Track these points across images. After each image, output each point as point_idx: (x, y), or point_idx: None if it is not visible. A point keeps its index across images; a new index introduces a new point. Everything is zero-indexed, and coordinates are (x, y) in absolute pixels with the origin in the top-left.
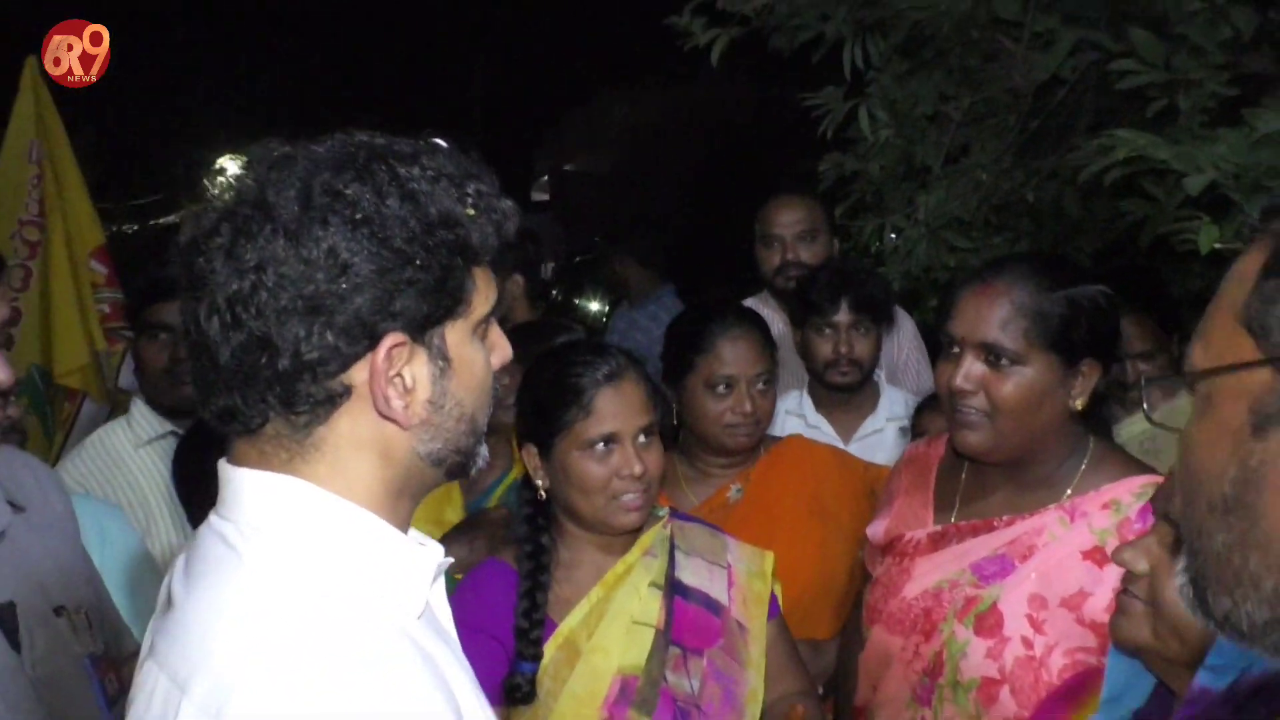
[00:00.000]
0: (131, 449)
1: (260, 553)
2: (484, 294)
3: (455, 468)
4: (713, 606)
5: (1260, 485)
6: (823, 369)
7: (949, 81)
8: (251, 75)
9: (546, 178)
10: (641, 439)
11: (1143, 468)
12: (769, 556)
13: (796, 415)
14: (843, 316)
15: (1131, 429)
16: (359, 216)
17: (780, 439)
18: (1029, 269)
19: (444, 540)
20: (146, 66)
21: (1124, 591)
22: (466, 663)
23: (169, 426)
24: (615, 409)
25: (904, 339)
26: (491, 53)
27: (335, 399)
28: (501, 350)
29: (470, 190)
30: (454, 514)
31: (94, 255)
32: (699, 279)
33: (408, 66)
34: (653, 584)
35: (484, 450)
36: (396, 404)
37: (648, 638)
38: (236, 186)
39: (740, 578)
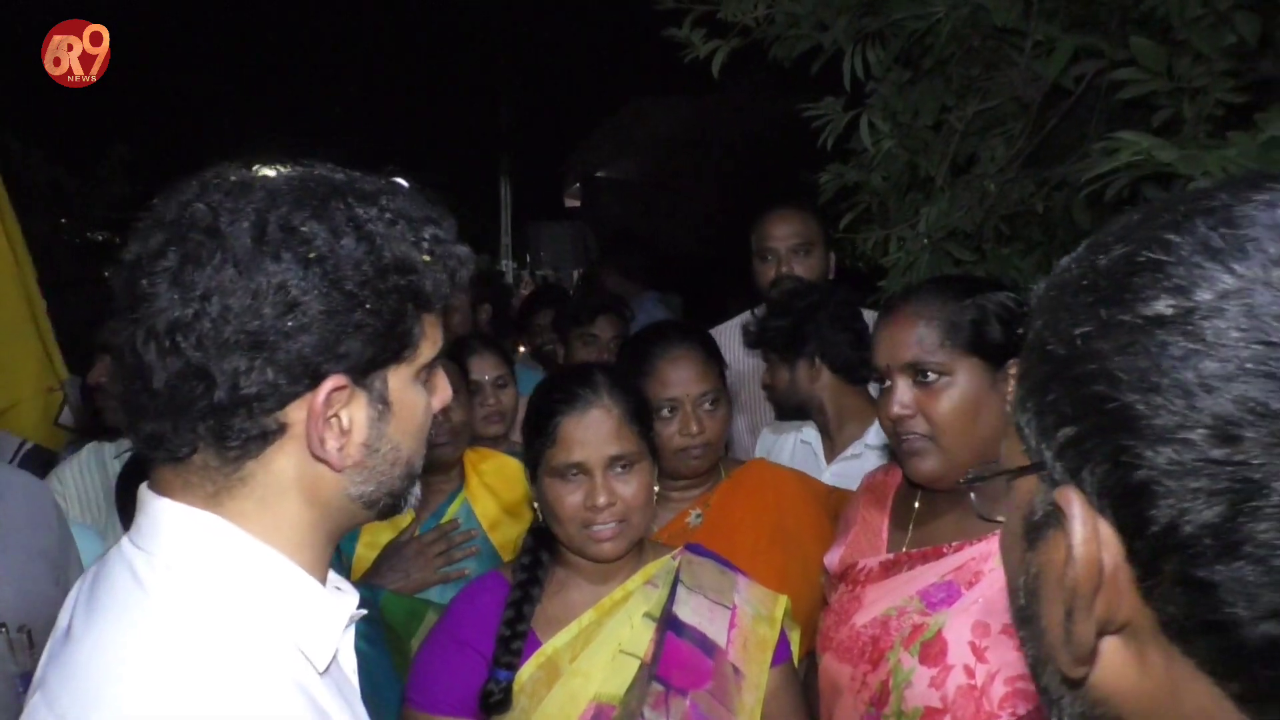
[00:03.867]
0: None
1: (168, 595)
2: (431, 339)
3: (386, 509)
4: (707, 647)
5: (1039, 597)
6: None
7: (950, 91)
8: (281, 85)
9: (578, 185)
10: (618, 469)
11: None
12: (782, 600)
13: (795, 428)
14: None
15: None
16: (312, 255)
17: (742, 462)
18: (933, 288)
19: (376, 569)
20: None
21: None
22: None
23: None
24: (582, 438)
25: None
26: (523, 61)
27: (269, 435)
28: (442, 393)
29: (427, 235)
30: (389, 535)
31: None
32: (723, 290)
33: (438, 75)
34: (647, 615)
35: (417, 490)
36: (331, 445)
37: (631, 669)
38: (189, 210)
39: (744, 620)
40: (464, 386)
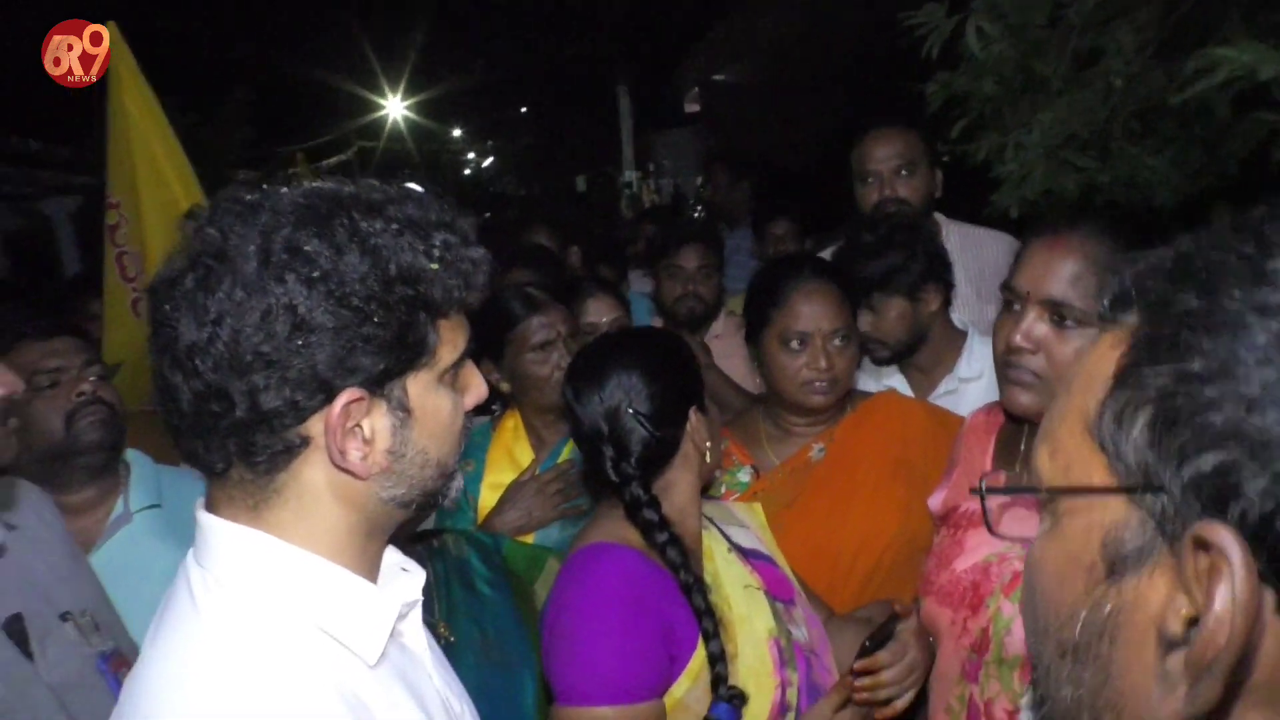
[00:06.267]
0: None
1: (216, 612)
2: (450, 343)
3: (425, 506)
4: (770, 560)
5: (1114, 637)
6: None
7: None
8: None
9: (697, 89)
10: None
11: None
12: (757, 506)
13: (869, 372)
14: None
15: None
16: (316, 274)
17: (870, 395)
18: (1106, 224)
19: (499, 508)
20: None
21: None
22: (449, 690)
23: None
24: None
25: (994, 271)
26: None
27: (293, 449)
28: (476, 389)
29: (437, 242)
30: (511, 476)
31: None
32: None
33: None
34: (730, 550)
35: (457, 483)
36: (354, 455)
37: (763, 599)
38: (203, 235)
39: (757, 532)
40: (577, 329)
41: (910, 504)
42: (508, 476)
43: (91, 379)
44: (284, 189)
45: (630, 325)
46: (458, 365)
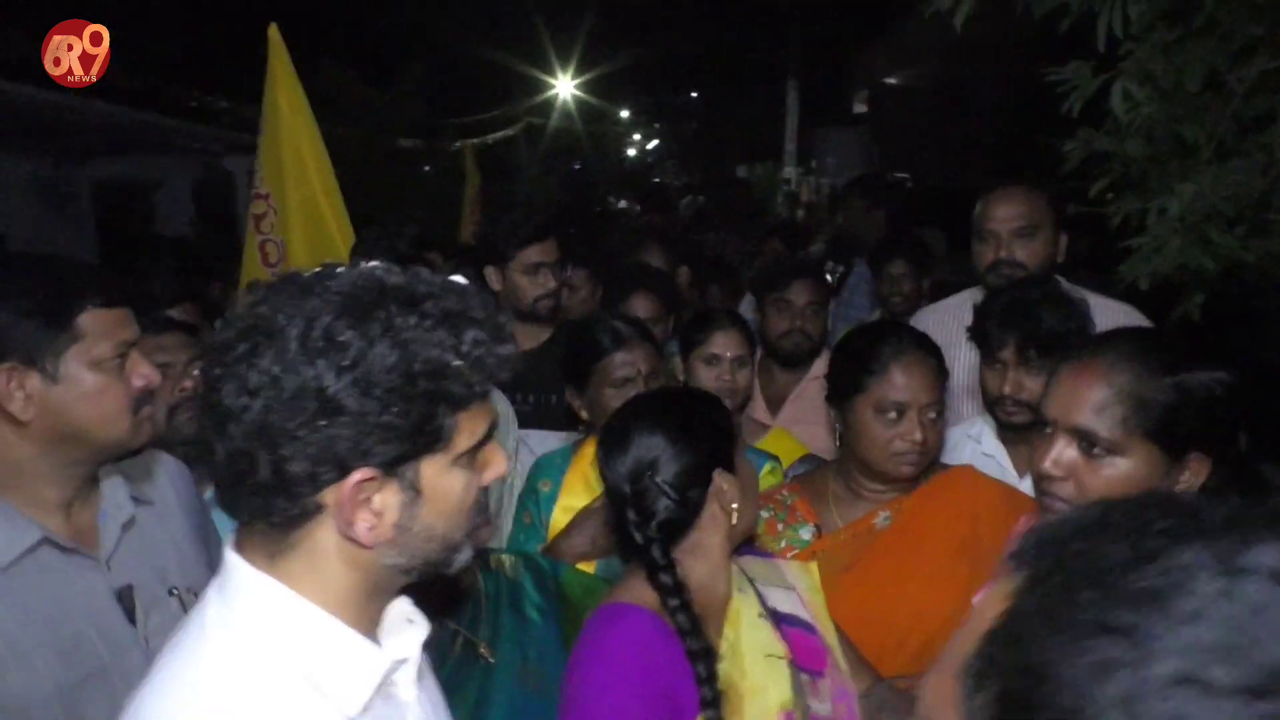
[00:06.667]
0: None
1: (221, 648)
2: (468, 430)
3: (428, 573)
4: (808, 628)
5: None
6: (991, 403)
7: (1224, 52)
8: None
9: (866, 91)
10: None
11: None
12: (813, 567)
13: (973, 440)
14: (1008, 354)
15: None
16: (346, 362)
17: (947, 468)
18: (1135, 348)
19: (566, 532)
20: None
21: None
22: None
23: None
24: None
25: None
26: None
27: (308, 513)
28: (496, 467)
29: (467, 339)
30: (584, 501)
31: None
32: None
33: None
34: (760, 615)
35: (465, 554)
36: (361, 527)
37: (784, 670)
38: (257, 310)
39: (806, 594)
40: (660, 370)
41: (972, 584)
42: (581, 501)
43: (194, 375)
44: (341, 271)
45: (751, 363)
46: (478, 447)
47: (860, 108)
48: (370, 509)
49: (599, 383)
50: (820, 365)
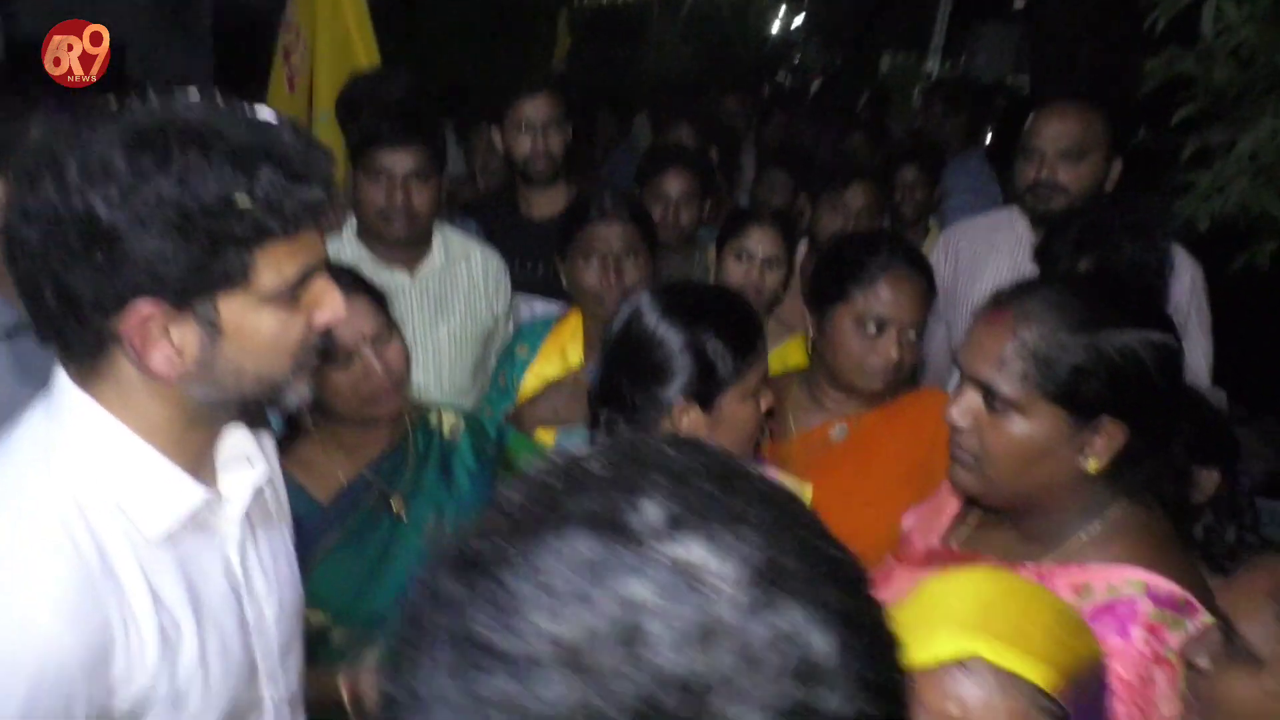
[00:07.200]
0: None
1: (29, 438)
2: (273, 270)
3: (255, 405)
4: None
5: None
6: None
7: None
8: None
9: None
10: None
11: (1166, 561)
12: (807, 488)
13: None
14: None
15: None
16: (118, 194)
17: (916, 388)
18: (1055, 299)
19: (533, 400)
20: None
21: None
22: (260, 574)
23: (364, 254)
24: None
25: (1177, 293)
26: None
27: (104, 343)
28: (329, 308)
29: (262, 178)
30: (556, 371)
31: None
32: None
33: None
34: None
35: (298, 391)
36: (157, 360)
37: None
38: (43, 139)
39: None
40: (640, 250)
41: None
42: (553, 371)
43: None
44: (136, 108)
45: (785, 264)
46: (296, 286)
47: (1020, 2)
48: (170, 342)
49: (576, 252)
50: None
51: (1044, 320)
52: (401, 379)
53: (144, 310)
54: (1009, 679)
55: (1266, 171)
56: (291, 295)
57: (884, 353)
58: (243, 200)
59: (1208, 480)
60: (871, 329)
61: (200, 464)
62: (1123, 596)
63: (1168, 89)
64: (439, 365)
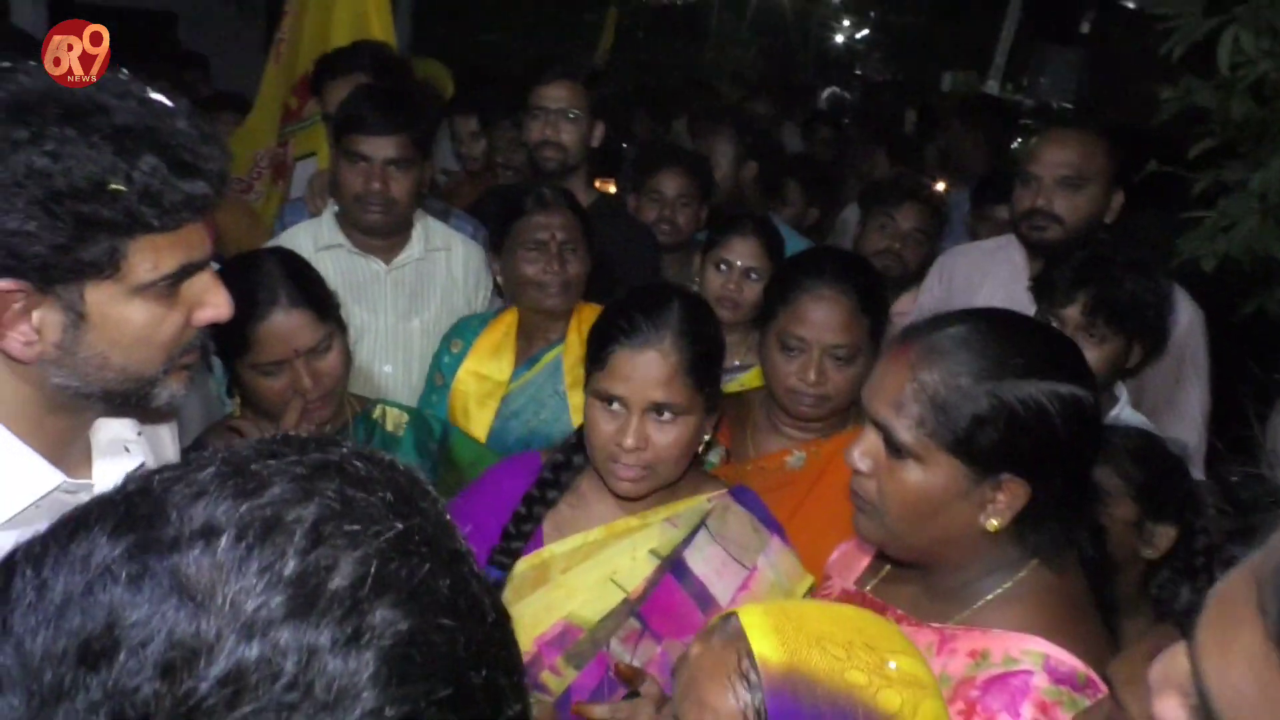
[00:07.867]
0: (312, 251)
1: None
2: (147, 262)
3: (119, 399)
4: (704, 601)
5: None
6: None
7: None
8: None
9: (1094, 10)
10: (657, 415)
11: (1073, 631)
12: (807, 580)
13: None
14: (1073, 312)
15: None
16: None
17: None
18: (965, 339)
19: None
20: None
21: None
22: None
23: (341, 239)
24: (629, 374)
25: (1175, 338)
26: None
27: None
28: (213, 307)
29: (143, 165)
30: (491, 369)
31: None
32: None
33: None
34: (653, 551)
35: (170, 389)
36: (13, 340)
37: (615, 599)
38: None
39: (760, 585)
40: (579, 240)
41: None
42: (485, 369)
43: None
44: (24, 75)
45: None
46: (174, 281)
47: (1088, 27)
48: (29, 324)
49: (513, 245)
50: (906, 301)
51: (947, 363)
52: (333, 389)
53: (2, 286)
54: (742, 639)
55: (1274, 213)
56: (168, 290)
57: (802, 375)
58: (117, 186)
59: (1163, 536)
60: (792, 349)
61: (64, 451)
62: (1019, 669)
63: (1185, 121)
64: (409, 357)
